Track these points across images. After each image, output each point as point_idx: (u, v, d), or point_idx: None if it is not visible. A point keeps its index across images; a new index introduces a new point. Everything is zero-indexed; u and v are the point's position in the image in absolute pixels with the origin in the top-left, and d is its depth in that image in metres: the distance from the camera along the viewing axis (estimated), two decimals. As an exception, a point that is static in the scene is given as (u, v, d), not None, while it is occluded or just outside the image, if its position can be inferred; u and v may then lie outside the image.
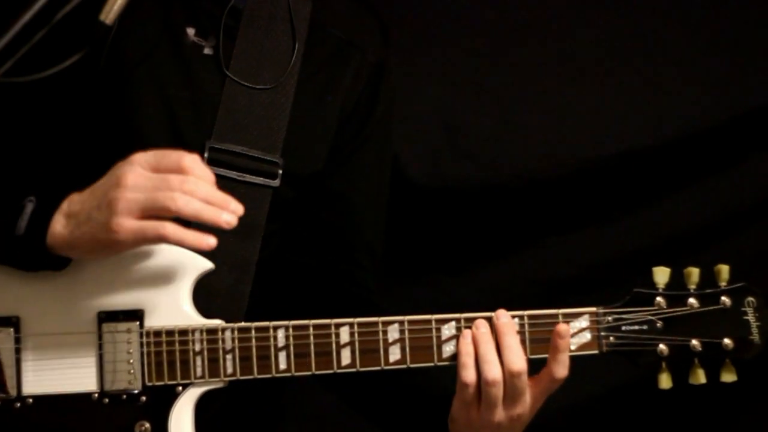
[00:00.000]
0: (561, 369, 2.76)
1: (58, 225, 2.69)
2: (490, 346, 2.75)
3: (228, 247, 2.91)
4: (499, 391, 2.73)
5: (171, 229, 2.64)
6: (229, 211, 2.66)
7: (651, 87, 3.91)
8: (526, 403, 2.76)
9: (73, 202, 2.69)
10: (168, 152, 2.66)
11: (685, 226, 3.93)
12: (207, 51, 2.97)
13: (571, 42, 3.90)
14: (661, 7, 3.89)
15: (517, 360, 2.74)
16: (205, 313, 2.81)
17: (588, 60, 3.90)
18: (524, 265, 3.94)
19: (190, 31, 2.96)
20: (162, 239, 2.65)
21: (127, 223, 2.63)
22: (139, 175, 2.63)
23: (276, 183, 2.97)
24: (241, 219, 2.80)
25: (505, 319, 2.78)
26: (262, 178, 2.96)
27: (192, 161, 2.64)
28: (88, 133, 2.91)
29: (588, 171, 3.91)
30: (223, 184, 2.90)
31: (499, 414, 2.75)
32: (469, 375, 2.75)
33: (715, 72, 3.90)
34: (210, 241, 2.67)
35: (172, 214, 2.62)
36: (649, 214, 3.93)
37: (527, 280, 3.92)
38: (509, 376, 2.73)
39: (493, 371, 2.73)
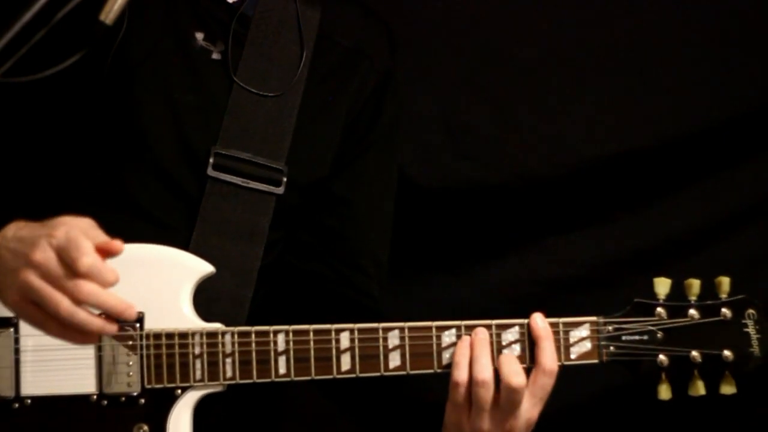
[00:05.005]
0: (547, 359, 2.76)
1: None
2: (485, 350, 2.75)
3: (230, 253, 2.91)
4: (488, 394, 2.73)
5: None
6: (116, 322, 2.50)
7: (651, 87, 3.90)
8: (519, 416, 2.76)
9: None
10: (77, 246, 2.42)
11: (685, 226, 3.92)
12: (215, 56, 2.97)
13: (571, 42, 3.89)
14: (661, 7, 3.88)
15: (515, 371, 2.74)
16: (207, 317, 2.81)
17: (588, 60, 3.89)
18: (524, 265, 3.93)
19: (199, 36, 2.96)
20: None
21: (11, 299, 2.50)
22: (46, 260, 2.44)
23: (280, 191, 2.97)
24: (245, 225, 2.80)
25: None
26: (266, 185, 2.96)
27: (91, 266, 2.43)
28: (92, 136, 2.90)
29: (588, 171, 3.90)
30: (227, 189, 2.91)
31: (489, 422, 2.75)
32: (460, 374, 2.75)
33: (714, 72, 3.89)
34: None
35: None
36: (649, 214, 3.93)
37: (527, 280, 3.91)
38: (506, 390, 2.73)
39: (484, 372, 2.73)
